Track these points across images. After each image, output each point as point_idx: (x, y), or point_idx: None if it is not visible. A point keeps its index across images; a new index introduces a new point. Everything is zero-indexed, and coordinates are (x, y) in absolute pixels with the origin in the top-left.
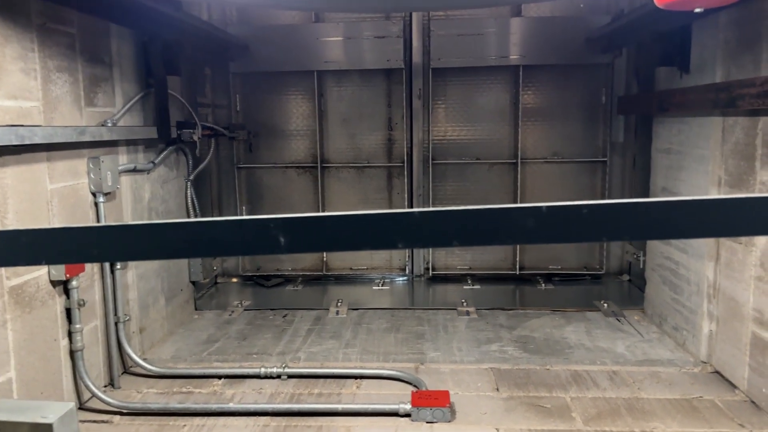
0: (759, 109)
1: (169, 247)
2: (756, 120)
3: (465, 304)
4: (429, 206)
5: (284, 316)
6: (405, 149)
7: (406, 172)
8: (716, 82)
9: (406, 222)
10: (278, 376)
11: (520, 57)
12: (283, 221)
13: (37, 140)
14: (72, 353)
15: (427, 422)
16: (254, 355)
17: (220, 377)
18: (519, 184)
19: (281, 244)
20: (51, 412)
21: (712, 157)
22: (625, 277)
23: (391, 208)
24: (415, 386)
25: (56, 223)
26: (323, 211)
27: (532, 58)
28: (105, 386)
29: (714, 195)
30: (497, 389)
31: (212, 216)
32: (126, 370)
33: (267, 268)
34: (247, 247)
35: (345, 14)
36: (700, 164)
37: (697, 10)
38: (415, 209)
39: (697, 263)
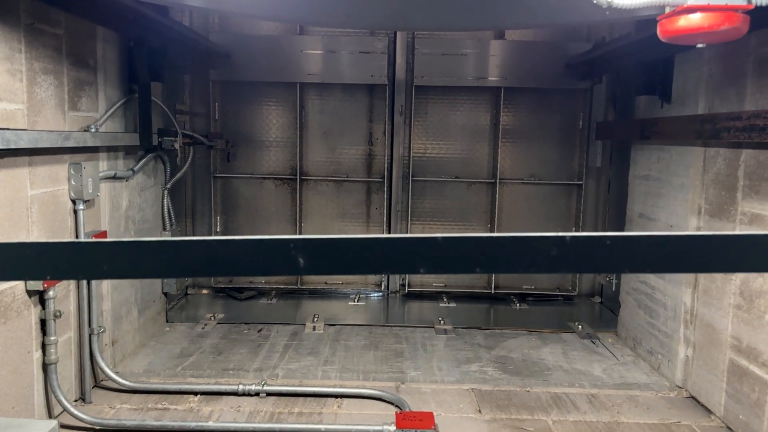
0: (742, 142)
1: (185, 265)
2: (738, 152)
3: (442, 322)
4: (407, 222)
5: (259, 331)
6: (385, 165)
7: (385, 188)
8: (701, 114)
9: (428, 247)
10: (257, 394)
11: (501, 79)
12: (303, 242)
13: (23, 144)
14: (45, 366)
15: None
16: (230, 371)
17: (196, 394)
18: (497, 203)
19: (300, 266)
20: (34, 431)
21: (692, 186)
22: (597, 299)
23: (368, 222)
24: (397, 406)
25: (35, 231)
26: (299, 223)
27: (512, 80)
28: (76, 400)
29: (693, 223)
30: (480, 411)
31: (185, 225)
32: (97, 384)
33: (240, 280)
34: (265, 268)
35: (330, 28)
36: (679, 192)
37: (699, 45)
38: (438, 235)
39: (674, 289)
